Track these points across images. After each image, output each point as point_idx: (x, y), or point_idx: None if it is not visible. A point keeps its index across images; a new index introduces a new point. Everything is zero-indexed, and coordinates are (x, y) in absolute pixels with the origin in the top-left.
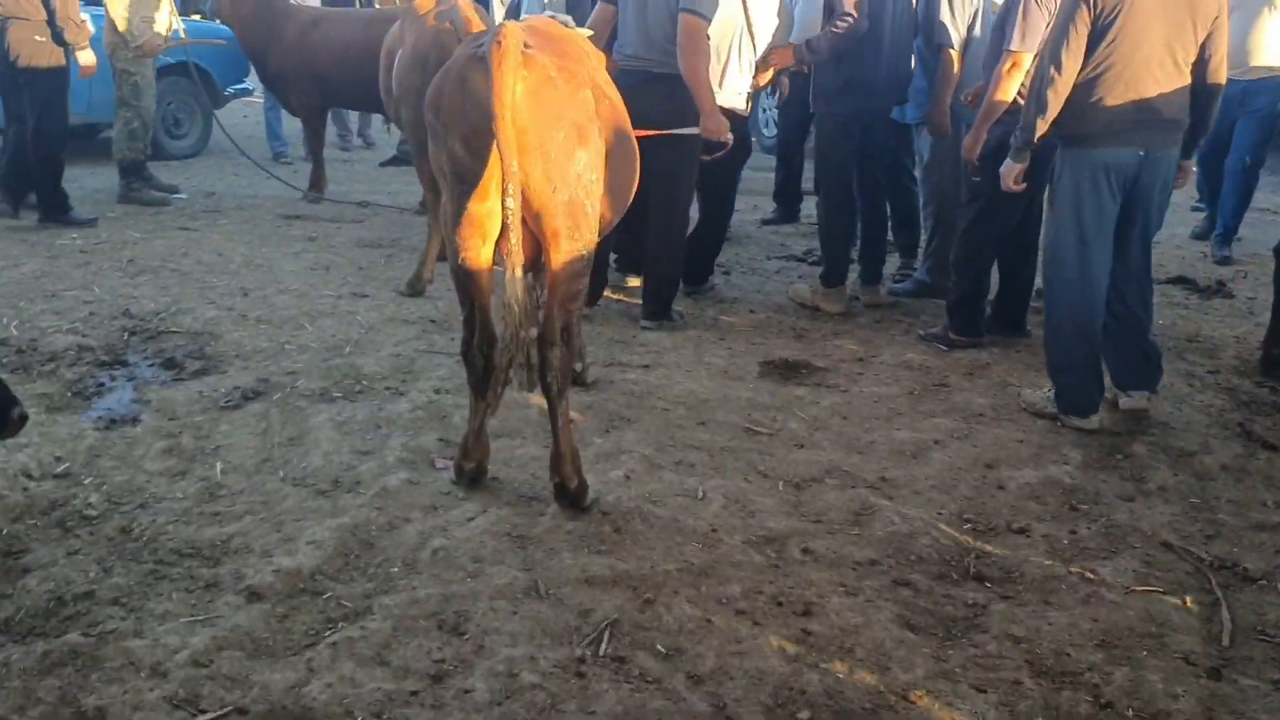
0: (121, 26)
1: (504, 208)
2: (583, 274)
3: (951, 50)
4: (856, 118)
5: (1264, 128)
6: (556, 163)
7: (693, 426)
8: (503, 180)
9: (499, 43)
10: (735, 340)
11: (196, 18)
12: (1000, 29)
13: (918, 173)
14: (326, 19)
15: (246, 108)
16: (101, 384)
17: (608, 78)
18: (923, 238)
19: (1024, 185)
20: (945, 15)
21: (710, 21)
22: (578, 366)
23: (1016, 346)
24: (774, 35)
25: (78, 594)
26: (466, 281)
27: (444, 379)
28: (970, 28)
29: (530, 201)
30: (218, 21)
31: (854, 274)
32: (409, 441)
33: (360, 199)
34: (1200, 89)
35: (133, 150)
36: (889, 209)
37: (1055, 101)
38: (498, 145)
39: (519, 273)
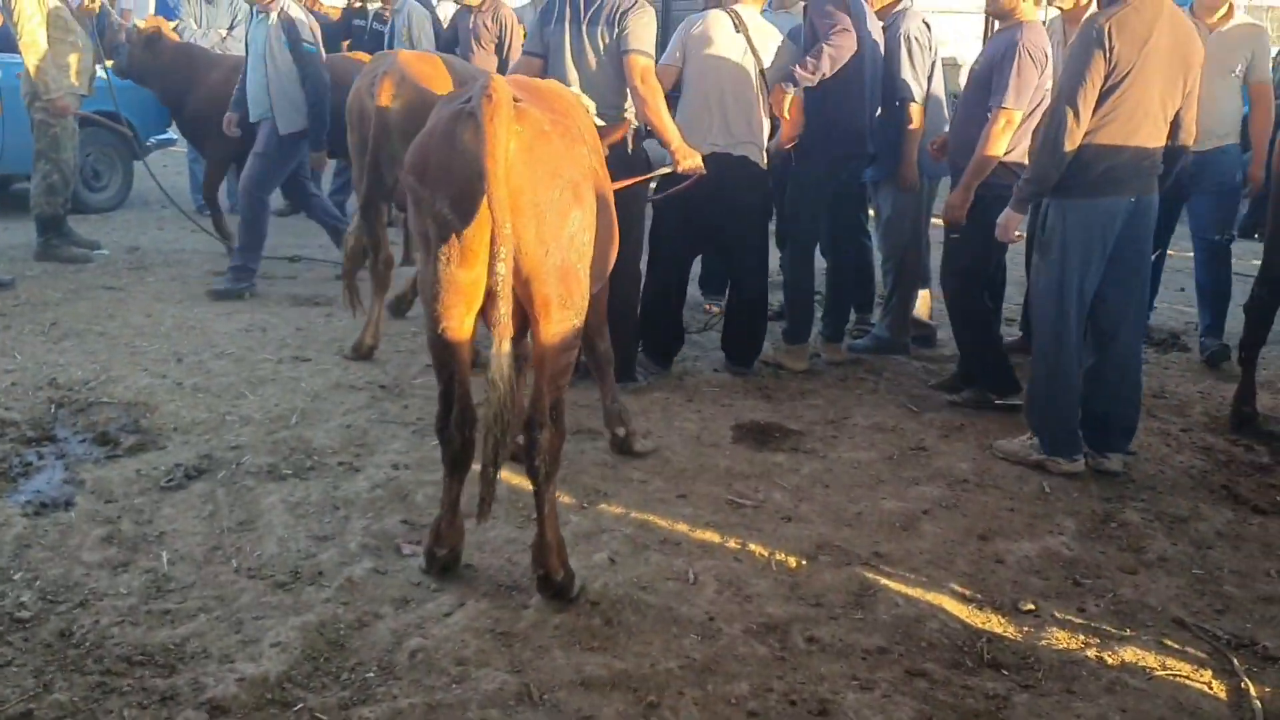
0: (35, 75)
1: (493, 273)
2: (573, 346)
3: (914, 104)
4: (833, 172)
5: (1225, 203)
6: (550, 224)
7: (673, 500)
8: (492, 243)
9: (489, 96)
10: (703, 402)
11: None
12: (983, 85)
13: (871, 228)
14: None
15: (168, 158)
16: (28, 463)
17: (595, 132)
18: (878, 293)
19: (1022, 236)
20: (906, 69)
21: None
22: (620, 432)
23: (983, 405)
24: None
25: (13, 715)
26: (445, 354)
27: (401, 453)
28: (929, 80)
29: (521, 266)
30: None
31: (814, 329)
32: (371, 525)
33: (290, 253)
34: (1169, 150)
35: (51, 205)
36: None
37: (1071, 149)
38: (489, 205)
39: (506, 346)
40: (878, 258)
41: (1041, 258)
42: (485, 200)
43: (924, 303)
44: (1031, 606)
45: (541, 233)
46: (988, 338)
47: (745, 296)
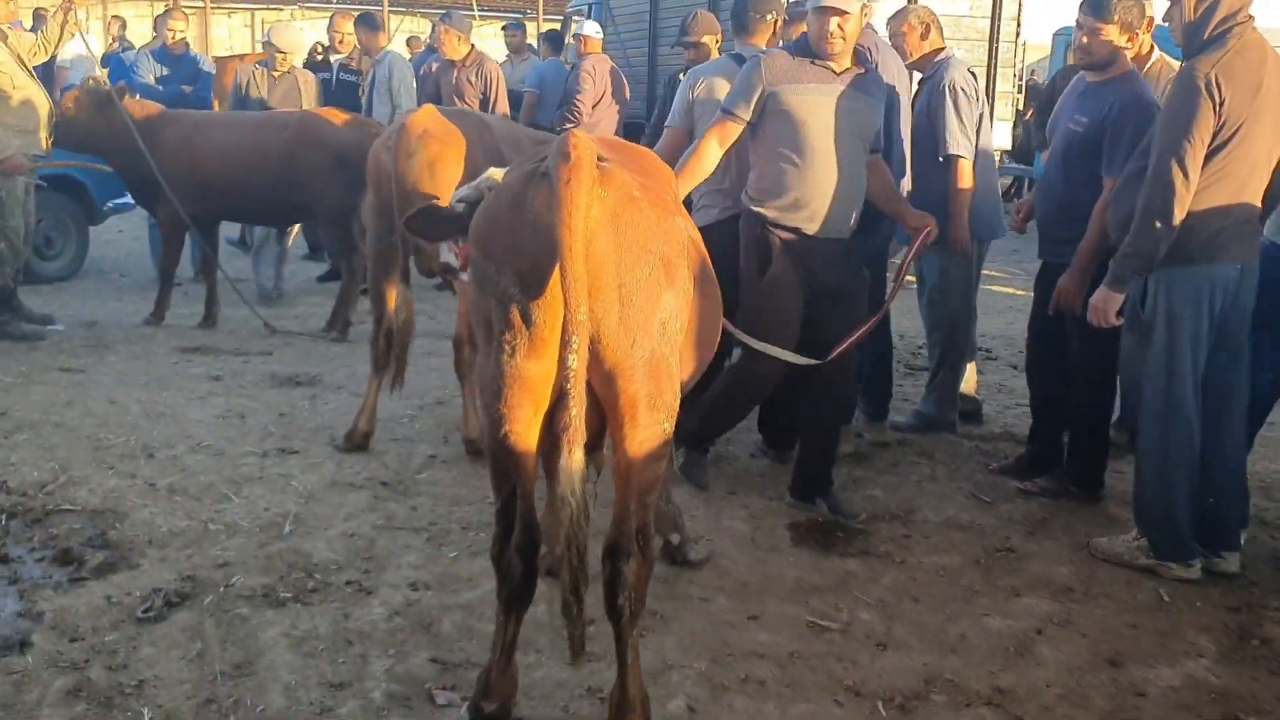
0: None
1: (564, 367)
2: (664, 456)
3: (963, 160)
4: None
5: None
6: (638, 308)
7: (744, 623)
8: (566, 330)
9: (567, 154)
10: (748, 495)
11: None
12: (1089, 147)
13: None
14: (211, 123)
15: (123, 223)
16: None
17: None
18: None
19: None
20: (953, 123)
21: None
22: (675, 539)
23: (1062, 495)
24: None
25: None
26: (508, 462)
27: (416, 567)
28: (978, 133)
29: (602, 358)
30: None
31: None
32: (394, 666)
33: (264, 324)
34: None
35: (0, 277)
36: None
37: (1181, 215)
38: (561, 283)
39: (578, 454)
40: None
41: (1141, 339)
42: (558, 278)
43: (971, 377)
44: None
45: (627, 318)
46: (1105, 429)
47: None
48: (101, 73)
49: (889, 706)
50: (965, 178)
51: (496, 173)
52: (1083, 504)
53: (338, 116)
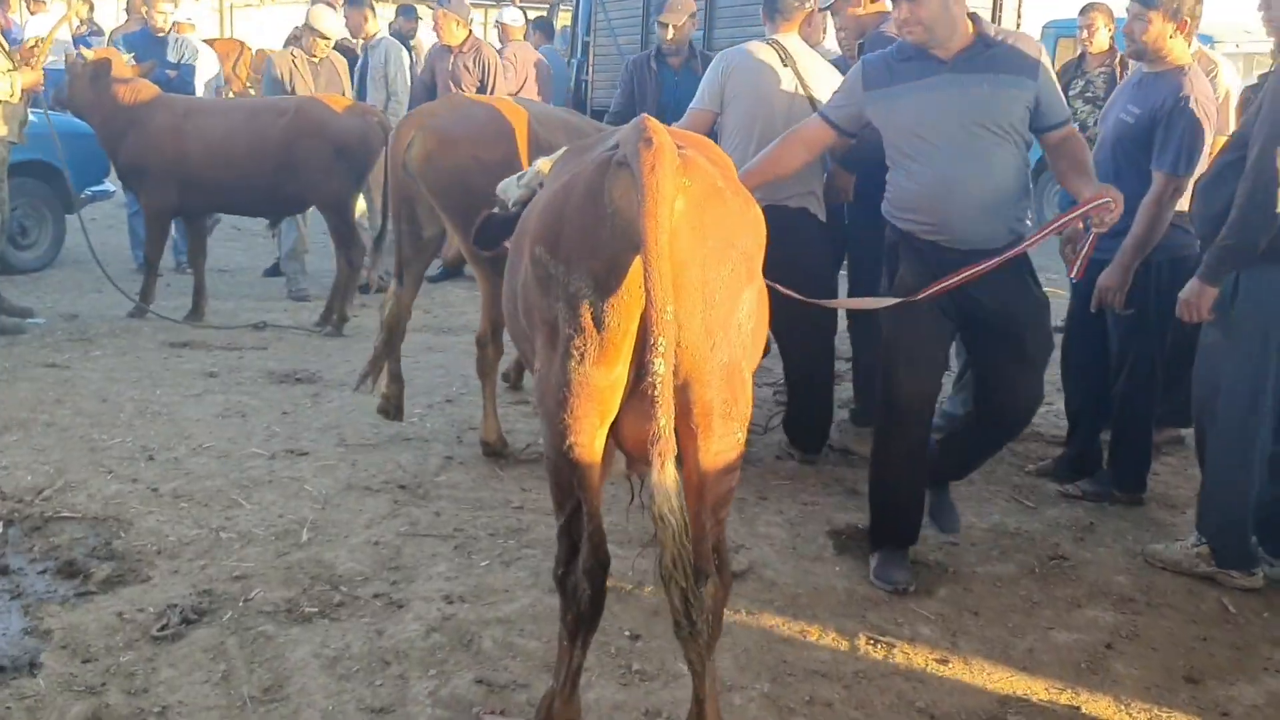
0: None
1: (651, 373)
2: (737, 468)
3: None
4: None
5: None
6: (720, 309)
7: (800, 639)
8: (651, 333)
9: (649, 139)
10: (781, 500)
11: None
12: (1140, 139)
13: None
14: (204, 110)
15: (94, 211)
16: None
17: None
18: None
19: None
20: None
21: None
22: None
23: (1105, 498)
24: None
25: None
26: (574, 477)
27: (449, 578)
28: None
29: (679, 364)
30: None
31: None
32: (438, 689)
33: (254, 319)
34: None
35: None
36: None
37: None
38: (647, 283)
39: (671, 468)
40: None
41: (1229, 337)
42: (642, 277)
43: None
44: None
45: (709, 320)
46: (1148, 429)
47: (806, 371)
48: (126, 55)
49: None
50: None
51: (544, 163)
52: (1127, 507)
53: (338, 103)
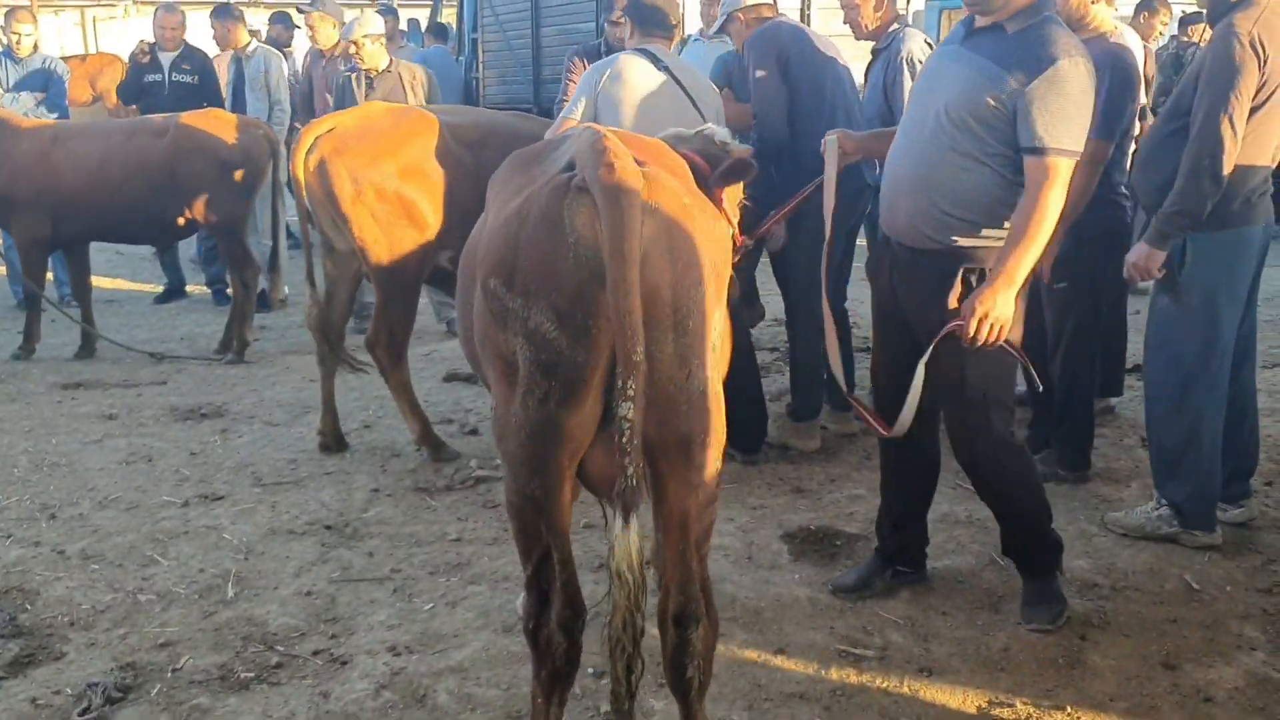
0: None
1: (618, 418)
2: (716, 499)
3: None
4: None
5: None
6: (694, 335)
7: (772, 657)
8: (619, 376)
9: (610, 163)
10: (729, 505)
11: None
12: None
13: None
14: (74, 134)
15: None
16: None
17: None
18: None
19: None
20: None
21: None
22: None
23: (1050, 479)
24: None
25: None
26: (540, 525)
27: (391, 626)
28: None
29: (655, 397)
30: None
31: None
32: None
33: (150, 350)
34: None
35: None
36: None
37: (1229, 171)
38: (616, 317)
39: (635, 525)
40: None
41: (1178, 301)
42: (609, 311)
43: None
44: None
45: (683, 348)
46: (1089, 405)
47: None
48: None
49: None
50: None
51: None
52: (1073, 486)
53: (220, 119)
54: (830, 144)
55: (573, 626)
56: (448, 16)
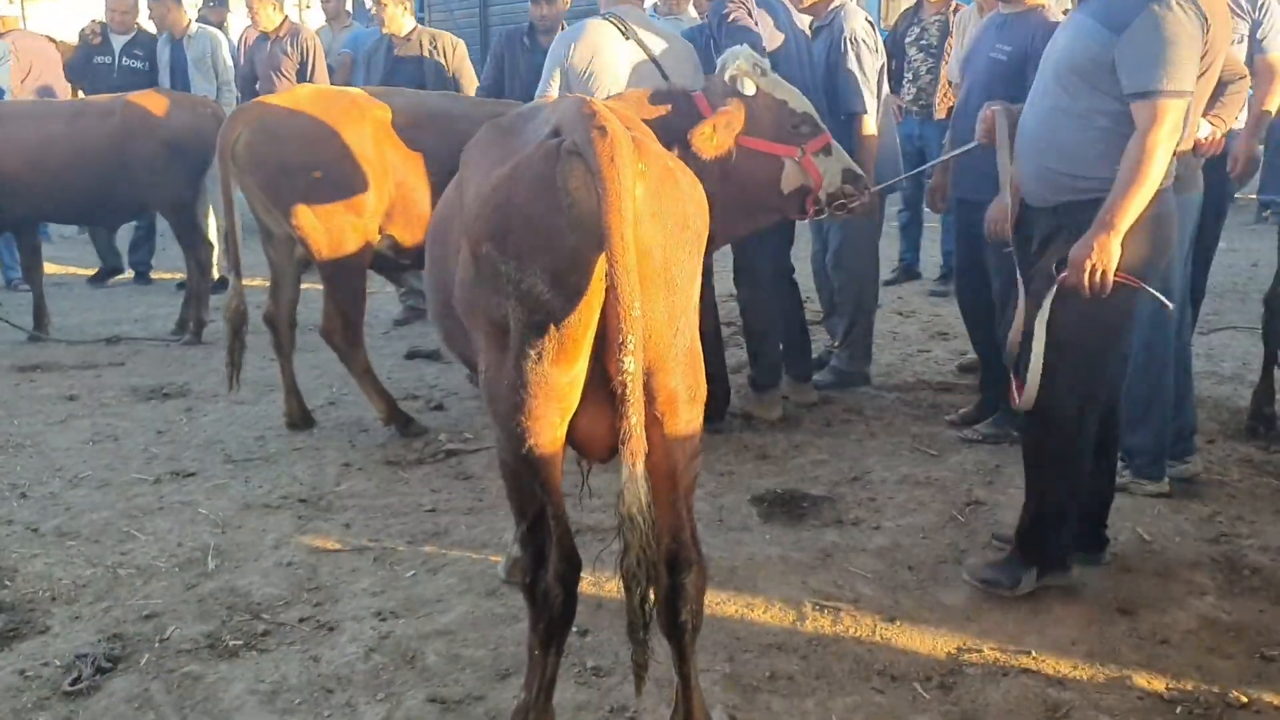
0: None
1: (620, 371)
2: (699, 453)
3: (868, 116)
4: None
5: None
6: (681, 294)
7: (747, 614)
8: (620, 331)
9: (602, 127)
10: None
11: None
12: (1014, 77)
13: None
14: (14, 115)
15: None
16: None
17: None
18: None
19: None
20: (857, 78)
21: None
22: None
23: (1004, 440)
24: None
25: None
26: (535, 480)
27: (375, 593)
28: (879, 86)
29: (645, 354)
30: None
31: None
32: (390, 713)
33: (106, 334)
34: None
35: None
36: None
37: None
38: (613, 277)
39: (641, 467)
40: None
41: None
42: (601, 269)
43: None
44: (1244, 699)
45: (672, 307)
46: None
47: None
48: None
49: (929, 687)
50: (870, 132)
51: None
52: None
53: (168, 99)
54: (1000, 114)
55: (570, 579)
56: None
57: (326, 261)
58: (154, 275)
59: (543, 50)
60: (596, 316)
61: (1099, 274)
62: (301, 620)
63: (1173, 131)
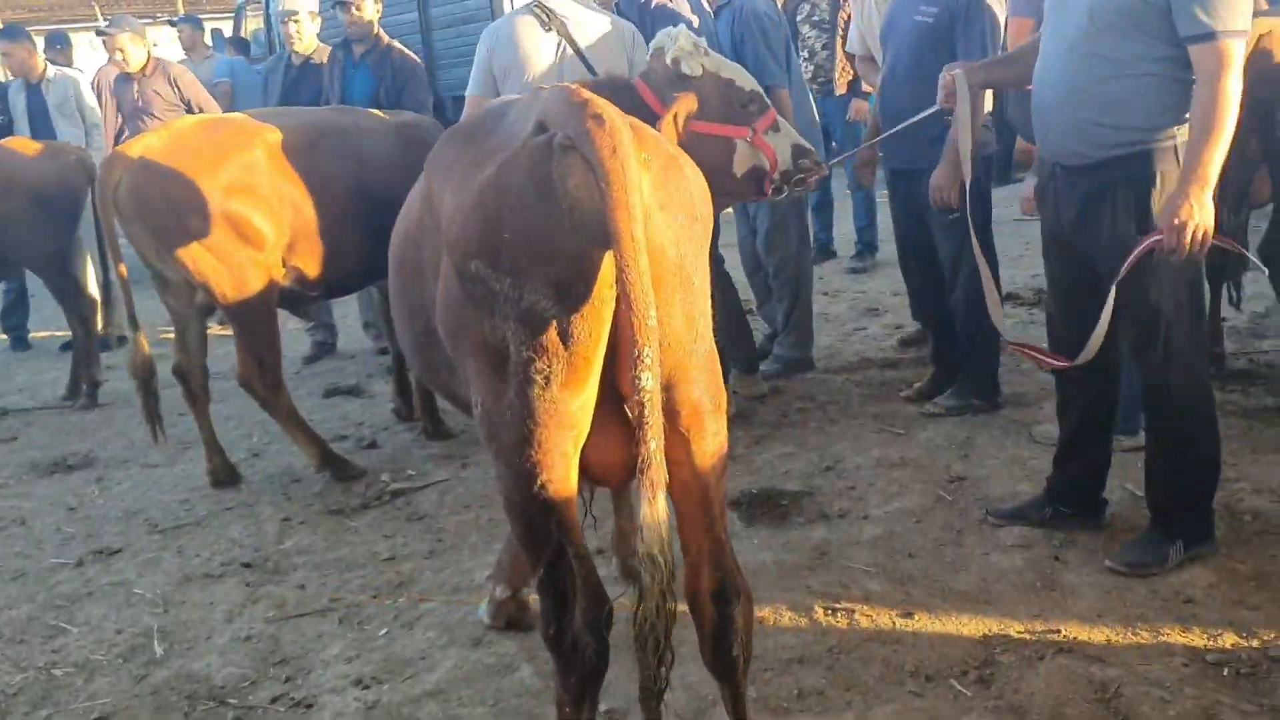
0: None
1: (637, 389)
2: (727, 467)
3: (782, 90)
4: None
5: None
6: (698, 293)
7: (757, 626)
8: (635, 343)
9: (598, 117)
10: None
11: None
12: (941, 39)
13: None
14: None
15: None
16: None
17: None
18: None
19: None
20: (766, 54)
21: None
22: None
23: (967, 410)
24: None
25: None
26: (548, 519)
27: (350, 659)
28: (788, 60)
29: (664, 365)
30: None
31: None
32: None
33: None
34: None
35: None
36: None
37: None
38: (625, 283)
39: (662, 501)
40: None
41: None
42: (610, 276)
43: None
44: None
45: (690, 309)
46: (994, 333)
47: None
48: None
49: (967, 683)
50: (787, 108)
51: None
52: (990, 414)
53: (26, 147)
54: (960, 78)
55: (600, 624)
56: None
57: (232, 304)
58: (32, 337)
59: (351, 64)
60: (607, 329)
61: (1200, 233)
62: (274, 700)
63: (1240, 73)
